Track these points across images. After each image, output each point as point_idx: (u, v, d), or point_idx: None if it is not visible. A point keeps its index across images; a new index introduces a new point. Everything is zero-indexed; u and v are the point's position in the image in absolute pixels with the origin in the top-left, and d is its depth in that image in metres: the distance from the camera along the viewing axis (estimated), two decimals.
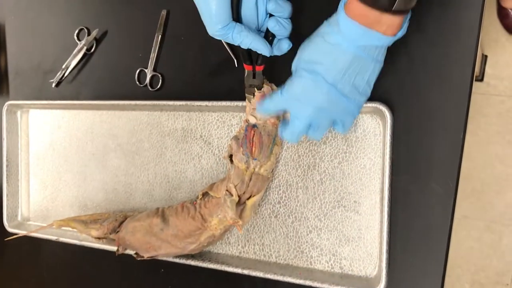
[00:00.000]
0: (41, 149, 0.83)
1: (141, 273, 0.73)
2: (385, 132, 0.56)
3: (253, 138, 0.58)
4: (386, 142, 0.56)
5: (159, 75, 0.71)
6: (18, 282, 0.85)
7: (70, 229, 0.77)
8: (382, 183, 0.56)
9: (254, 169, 0.58)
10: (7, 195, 0.83)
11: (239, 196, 0.58)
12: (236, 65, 0.66)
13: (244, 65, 0.57)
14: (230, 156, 0.60)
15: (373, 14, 0.43)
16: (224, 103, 0.64)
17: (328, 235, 0.60)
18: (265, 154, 0.58)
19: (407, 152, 0.56)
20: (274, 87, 0.58)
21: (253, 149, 0.58)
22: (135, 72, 0.73)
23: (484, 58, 1.26)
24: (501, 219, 1.31)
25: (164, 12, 0.71)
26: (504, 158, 1.30)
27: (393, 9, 0.42)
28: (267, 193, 0.63)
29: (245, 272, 0.62)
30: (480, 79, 1.27)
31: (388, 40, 0.45)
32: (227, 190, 0.59)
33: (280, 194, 0.63)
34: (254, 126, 0.58)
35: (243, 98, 0.63)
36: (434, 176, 0.55)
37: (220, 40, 0.66)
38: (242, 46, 0.52)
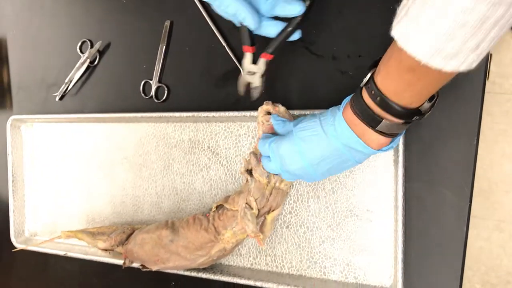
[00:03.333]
0: (46, 164, 0.82)
1: (150, 286, 0.72)
2: None
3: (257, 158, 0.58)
4: (398, 149, 0.55)
5: (165, 87, 0.71)
6: None
7: (77, 242, 0.76)
8: (395, 191, 0.55)
9: (275, 183, 0.57)
10: (13, 210, 0.82)
11: (258, 210, 0.58)
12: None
13: (243, 46, 0.55)
14: (249, 171, 0.59)
15: (360, 125, 0.45)
16: (231, 113, 0.63)
17: (341, 245, 0.59)
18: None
19: (420, 159, 0.55)
20: (282, 108, 0.57)
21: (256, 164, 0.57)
22: (140, 84, 0.72)
23: (489, 56, 1.25)
24: (510, 218, 1.30)
25: (167, 23, 0.70)
26: (511, 157, 1.29)
27: (376, 129, 0.44)
28: None
29: (258, 284, 0.61)
30: (486, 77, 1.26)
31: (371, 152, 0.47)
32: (247, 203, 0.58)
33: (291, 204, 0.62)
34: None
35: (250, 108, 0.62)
36: (447, 183, 0.54)
37: (226, 50, 0.65)
38: (225, 16, 0.53)
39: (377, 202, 0.57)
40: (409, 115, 0.43)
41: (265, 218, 0.59)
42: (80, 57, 0.77)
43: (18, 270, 0.86)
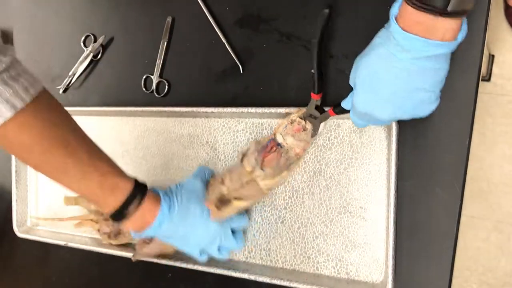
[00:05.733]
0: None
1: (148, 277, 0.74)
2: (390, 138, 0.56)
3: (270, 151, 0.58)
4: (391, 148, 0.56)
5: (165, 82, 0.72)
6: (28, 287, 0.86)
7: (78, 233, 0.78)
8: (388, 188, 0.56)
9: (256, 177, 0.58)
10: (16, 200, 0.84)
11: (227, 189, 0.59)
12: (242, 72, 0.66)
13: (312, 94, 0.57)
14: (243, 155, 0.60)
15: (426, 19, 0.40)
16: (229, 109, 0.64)
17: (334, 241, 0.60)
18: (273, 172, 0.58)
19: (413, 157, 0.56)
20: (309, 125, 0.58)
21: (265, 160, 0.58)
22: (141, 79, 0.74)
23: (491, 58, 1.25)
24: (509, 219, 1.31)
25: (169, 19, 0.71)
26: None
27: (448, 10, 0.39)
28: (273, 198, 0.64)
29: (252, 277, 0.62)
30: (487, 79, 1.26)
31: (450, 46, 0.42)
32: (222, 178, 0.60)
33: (286, 200, 0.63)
34: (279, 144, 0.59)
35: (248, 105, 0.64)
36: (440, 182, 0.55)
37: (226, 47, 0.66)
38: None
39: (370, 199, 0.58)
40: None
41: (231, 202, 0.59)
42: (83, 51, 0.79)
43: (20, 259, 0.87)
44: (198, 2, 0.69)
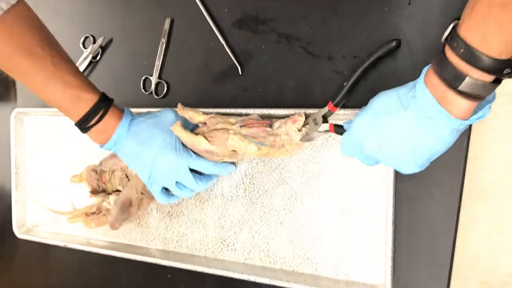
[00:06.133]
0: (48, 156, 0.84)
1: (147, 278, 0.74)
2: None
3: (259, 123, 0.59)
4: None
5: (164, 83, 0.72)
6: (28, 287, 0.86)
7: (77, 234, 0.79)
8: (386, 189, 0.56)
9: (230, 128, 0.59)
10: (16, 201, 0.84)
11: (206, 126, 0.61)
12: (240, 73, 0.66)
13: (331, 103, 0.55)
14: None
15: (440, 87, 0.41)
16: (228, 110, 0.64)
17: (333, 242, 0.60)
18: (245, 136, 0.58)
19: None
20: (302, 119, 0.58)
21: (248, 123, 0.59)
22: (141, 80, 0.74)
23: None
24: (510, 220, 1.30)
25: (168, 21, 0.71)
26: None
27: (459, 89, 0.39)
28: (273, 199, 0.64)
29: (251, 278, 0.62)
30: None
31: (456, 123, 0.41)
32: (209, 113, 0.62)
33: (285, 201, 0.63)
34: (270, 125, 0.59)
35: (247, 106, 0.64)
36: (438, 183, 0.55)
37: (224, 48, 0.67)
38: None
39: (369, 201, 0.58)
40: (497, 68, 0.37)
41: (198, 134, 0.60)
42: (83, 52, 0.79)
43: (20, 260, 0.87)
44: (197, 4, 0.69)
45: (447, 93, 0.40)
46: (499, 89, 0.42)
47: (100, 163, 0.73)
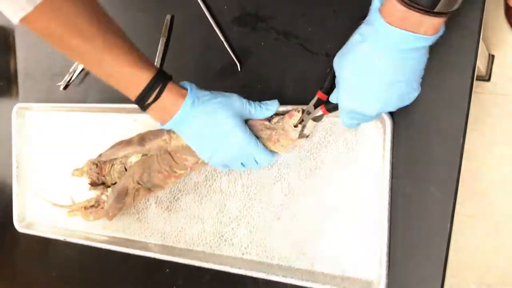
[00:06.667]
0: (49, 151, 0.84)
1: (146, 272, 0.74)
2: (385, 136, 0.56)
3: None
4: (386, 146, 0.56)
5: None
6: (28, 281, 0.87)
7: (77, 228, 0.79)
8: (382, 186, 0.57)
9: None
10: (17, 195, 0.85)
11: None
12: (239, 70, 0.66)
13: (320, 92, 0.57)
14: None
15: (414, 16, 0.42)
16: None
17: (329, 238, 0.61)
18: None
19: (407, 156, 0.56)
20: (298, 116, 0.59)
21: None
22: None
23: (491, 58, 1.25)
24: (508, 220, 1.31)
25: (168, 17, 0.72)
26: (511, 158, 1.29)
27: (435, 10, 0.41)
28: (270, 195, 0.64)
29: (248, 273, 0.63)
30: (487, 79, 1.26)
31: (430, 40, 0.44)
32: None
33: (282, 197, 0.64)
34: (269, 120, 0.60)
35: None
36: (433, 180, 0.55)
37: (224, 45, 0.67)
38: None
39: (365, 197, 0.59)
40: None
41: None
42: None
43: (20, 254, 0.88)
44: (197, 0, 0.69)
45: (424, 18, 0.42)
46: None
47: (100, 155, 0.74)
